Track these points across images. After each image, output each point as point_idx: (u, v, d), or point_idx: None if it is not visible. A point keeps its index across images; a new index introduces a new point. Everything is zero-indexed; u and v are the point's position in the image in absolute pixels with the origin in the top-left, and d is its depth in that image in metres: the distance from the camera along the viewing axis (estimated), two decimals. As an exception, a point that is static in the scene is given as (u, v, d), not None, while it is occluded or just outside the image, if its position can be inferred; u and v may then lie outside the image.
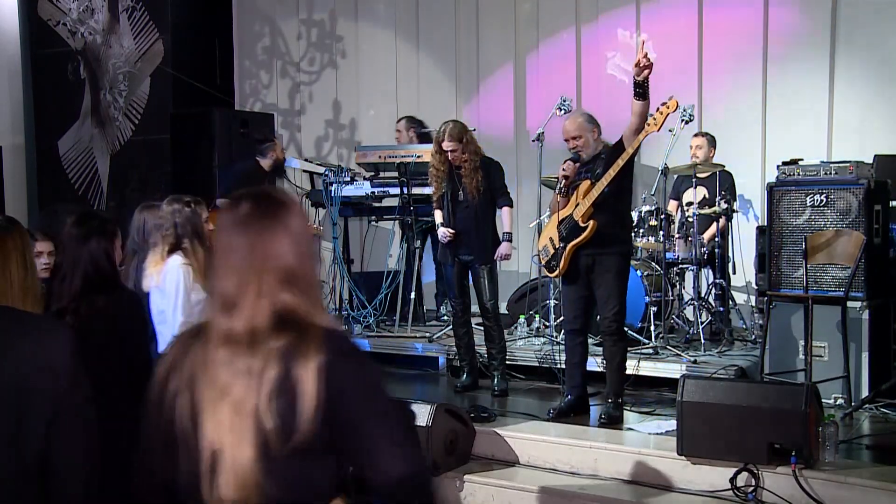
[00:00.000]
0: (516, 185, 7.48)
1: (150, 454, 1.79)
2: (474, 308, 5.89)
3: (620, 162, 4.76)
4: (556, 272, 5.06)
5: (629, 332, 6.22)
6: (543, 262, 5.22)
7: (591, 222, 4.87)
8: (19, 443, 1.93)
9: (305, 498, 1.72)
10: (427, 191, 6.59)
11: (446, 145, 5.46)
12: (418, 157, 6.64)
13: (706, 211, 6.41)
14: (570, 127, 5.06)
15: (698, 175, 6.40)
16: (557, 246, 5.01)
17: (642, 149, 7.24)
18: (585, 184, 4.97)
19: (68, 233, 3.43)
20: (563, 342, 6.15)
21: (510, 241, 5.68)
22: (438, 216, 5.70)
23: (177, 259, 3.93)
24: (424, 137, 7.21)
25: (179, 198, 4.08)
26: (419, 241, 6.96)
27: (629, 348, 6.04)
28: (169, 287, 3.90)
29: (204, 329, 1.77)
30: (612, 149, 4.97)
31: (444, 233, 5.56)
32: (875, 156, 6.00)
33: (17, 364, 1.96)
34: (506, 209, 5.71)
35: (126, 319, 3.37)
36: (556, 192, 5.13)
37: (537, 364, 6.02)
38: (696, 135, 6.73)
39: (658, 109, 4.73)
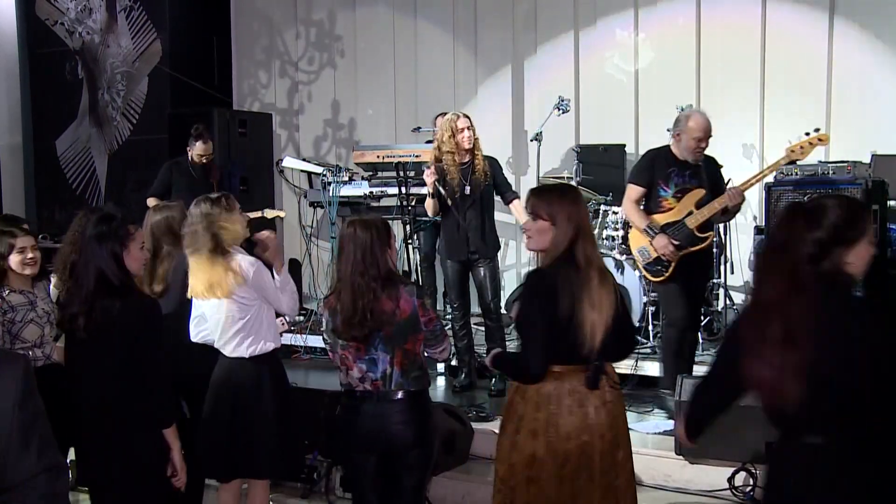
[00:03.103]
0: (515, 185, 7.46)
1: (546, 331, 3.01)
2: (474, 308, 5.88)
3: (754, 182, 4.90)
4: (663, 277, 4.92)
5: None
6: (642, 265, 5.03)
7: (710, 233, 4.92)
8: None
9: (619, 351, 3.20)
10: (425, 190, 6.57)
11: (462, 122, 5.51)
12: (416, 156, 6.63)
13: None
14: (708, 126, 4.84)
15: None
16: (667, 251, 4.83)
17: (640, 146, 7.27)
18: (698, 192, 4.86)
19: (84, 233, 3.36)
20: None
21: None
22: (431, 206, 5.69)
23: (242, 256, 3.75)
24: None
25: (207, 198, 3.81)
26: (415, 237, 6.95)
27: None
28: (259, 281, 3.75)
29: (571, 263, 2.98)
30: (708, 162, 4.99)
31: (429, 172, 5.57)
32: (873, 155, 6.00)
33: None
34: (516, 202, 5.71)
35: (137, 326, 3.26)
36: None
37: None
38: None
39: (809, 138, 4.74)
